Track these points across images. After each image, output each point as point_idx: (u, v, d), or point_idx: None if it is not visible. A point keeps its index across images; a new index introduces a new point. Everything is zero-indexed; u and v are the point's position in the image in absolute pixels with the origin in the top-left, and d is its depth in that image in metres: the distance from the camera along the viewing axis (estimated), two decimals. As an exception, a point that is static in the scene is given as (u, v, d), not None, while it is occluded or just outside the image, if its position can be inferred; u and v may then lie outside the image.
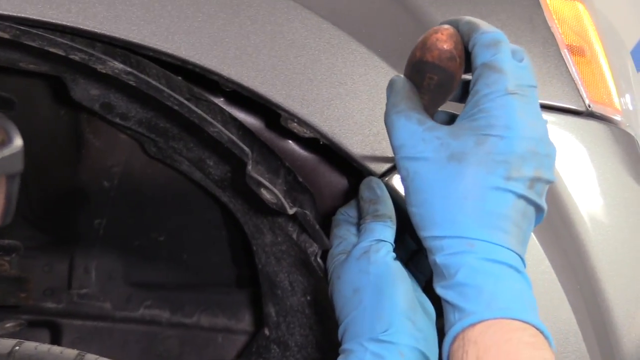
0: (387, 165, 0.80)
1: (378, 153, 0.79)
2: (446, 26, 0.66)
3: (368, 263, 0.72)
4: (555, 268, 0.82)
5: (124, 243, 1.26)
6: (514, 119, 0.60)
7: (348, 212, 0.83)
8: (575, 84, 0.88)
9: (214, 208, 1.17)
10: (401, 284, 0.72)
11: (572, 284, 0.84)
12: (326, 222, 0.84)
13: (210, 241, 1.25)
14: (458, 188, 0.60)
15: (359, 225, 0.79)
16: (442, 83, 0.66)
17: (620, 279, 0.89)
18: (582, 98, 0.89)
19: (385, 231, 0.75)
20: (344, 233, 0.81)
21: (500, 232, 0.60)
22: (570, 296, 0.83)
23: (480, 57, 0.63)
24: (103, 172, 1.12)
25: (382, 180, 0.79)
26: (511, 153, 0.60)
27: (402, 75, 0.69)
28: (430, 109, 0.69)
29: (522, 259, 0.62)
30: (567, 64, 0.89)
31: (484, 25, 0.65)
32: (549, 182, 0.63)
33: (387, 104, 0.68)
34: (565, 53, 0.89)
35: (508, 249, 0.60)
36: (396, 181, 0.79)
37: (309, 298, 0.97)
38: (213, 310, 1.33)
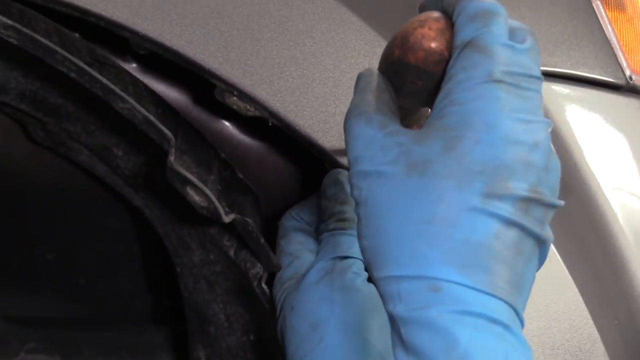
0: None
1: (347, 139, 0.79)
2: (436, 15, 0.63)
3: (331, 289, 0.72)
4: (585, 295, 0.83)
5: (-2, 263, 1.23)
6: (496, 115, 0.57)
7: (302, 215, 0.82)
8: (613, 49, 0.88)
9: (123, 215, 1.15)
10: (376, 317, 0.71)
11: (609, 319, 0.84)
12: (275, 235, 0.84)
13: (118, 261, 1.23)
14: (419, 209, 0.57)
15: (317, 235, 0.79)
16: (428, 88, 0.64)
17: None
18: (621, 68, 0.90)
19: (354, 243, 0.75)
20: (296, 248, 0.80)
21: (479, 272, 0.55)
22: (605, 334, 0.83)
23: (461, 32, 0.60)
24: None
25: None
26: (492, 161, 0.56)
27: (373, 69, 0.67)
28: (411, 116, 0.68)
29: (516, 312, 0.56)
30: (602, 22, 0.89)
31: None
32: (553, 206, 0.59)
33: (350, 105, 0.66)
34: (598, 6, 0.90)
35: (491, 295, 0.55)
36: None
37: (252, 337, 0.96)
38: (120, 355, 1.31)
